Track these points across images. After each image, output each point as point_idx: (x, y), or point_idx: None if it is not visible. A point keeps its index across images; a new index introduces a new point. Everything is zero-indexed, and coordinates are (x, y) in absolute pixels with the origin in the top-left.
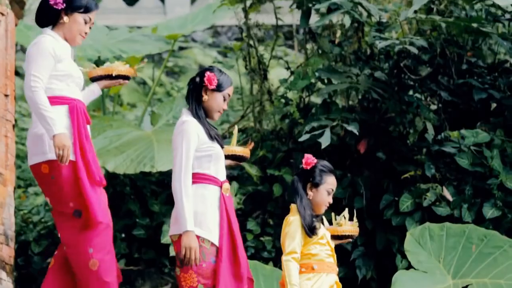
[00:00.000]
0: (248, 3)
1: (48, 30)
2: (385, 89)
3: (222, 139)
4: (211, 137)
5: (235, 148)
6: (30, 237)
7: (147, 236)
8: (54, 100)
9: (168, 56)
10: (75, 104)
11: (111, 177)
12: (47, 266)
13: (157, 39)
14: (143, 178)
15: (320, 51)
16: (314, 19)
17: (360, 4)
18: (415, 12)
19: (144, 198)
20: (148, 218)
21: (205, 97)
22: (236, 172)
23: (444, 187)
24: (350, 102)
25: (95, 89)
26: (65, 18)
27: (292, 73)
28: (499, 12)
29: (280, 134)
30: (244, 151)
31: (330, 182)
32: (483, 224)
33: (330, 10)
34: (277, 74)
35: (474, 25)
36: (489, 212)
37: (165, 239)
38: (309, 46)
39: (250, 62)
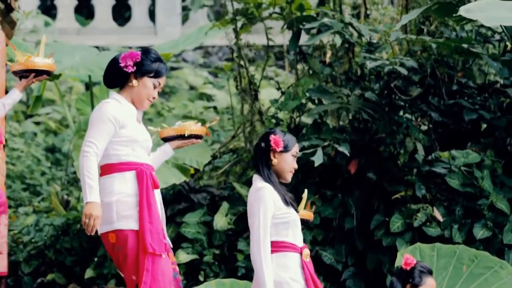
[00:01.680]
0: (239, 24)
1: (114, 93)
2: (375, 110)
3: (296, 202)
4: (286, 203)
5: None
6: (20, 257)
7: None
8: (122, 166)
9: None
10: (143, 169)
11: None
12: (37, 287)
13: None
14: None
15: (310, 72)
16: (305, 39)
17: (351, 24)
18: (406, 32)
19: None
20: None
21: (274, 161)
22: (226, 192)
23: (434, 208)
24: (341, 123)
25: (168, 150)
26: (134, 82)
27: (283, 93)
28: (489, 33)
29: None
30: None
31: (429, 284)
32: (473, 244)
33: (320, 31)
34: (268, 94)
35: (464, 46)
36: (480, 232)
37: None
38: (299, 66)
39: (241, 82)
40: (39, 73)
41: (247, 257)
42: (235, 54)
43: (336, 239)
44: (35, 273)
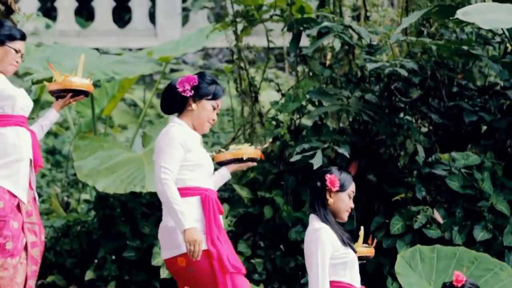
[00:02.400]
0: (239, 26)
1: (175, 118)
2: (375, 112)
3: (353, 242)
4: (344, 243)
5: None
6: None
7: (138, 258)
8: (186, 191)
9: (160, 78)
10: (207, 194)
11: (101, 199)
12: None
13: (149, 61)
14: (134, 200)
15: (311, 74)
16: (305, 42)
17: (351, 27)
18: (406, 34)
19: (134, 220)
20: (138, 240)
21: (330, 200)
22: (227, 194)
23: (434, 210)
24: (341, 125)
25: (225, 174)
26: (194, 106)
27: (283, 95)
28: (489, 35)
29: (271, 156)
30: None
31: None
32: (473, 246)
33: (320, 34)
34: (268, 96)
35: (465, 47)
36: (480, 234)
37: (156, 261)
38: (300, 68)
39: (241, 84)
40: (76, 93)
41: (247, 259)
42: (235, 56)
43: None
44: None
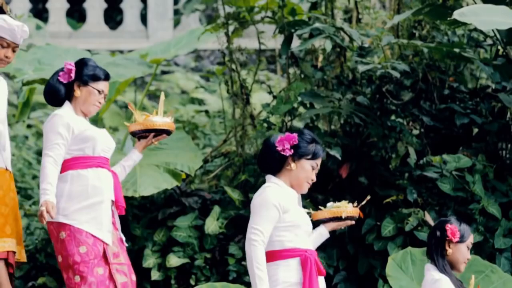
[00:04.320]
0: (231, 28)
1: (272, 177)
2: (367, 114)
3: None
4: None
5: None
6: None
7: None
8: (285, 253)
9: (151, 80)
10: (307, 256)
11: None
12: None
13: (140, 63)
14: (125, 202)
15: (302, 76)
16: (297, 44)
17: (342, 29)
18: (397, 37)
19: (126, 222)
20: (130, 242)
21: (449, 251)
22: (218, 196)
23: (426, 212)
24: (332, 127)
25: (323, 233)
26: (292, 165)
27: (274, 97)
28: (481, 38)
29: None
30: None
31: None
32: None
33: (312, 36)
34: (259, 98)
35: (456, 50)
36: None
37: (147, 263)
38: (291, 70)
39: (232, 86)
40: (158, 132)
41: (238, 261)
42: (226, 58)
43: (328, 243)
44: (26, 277)
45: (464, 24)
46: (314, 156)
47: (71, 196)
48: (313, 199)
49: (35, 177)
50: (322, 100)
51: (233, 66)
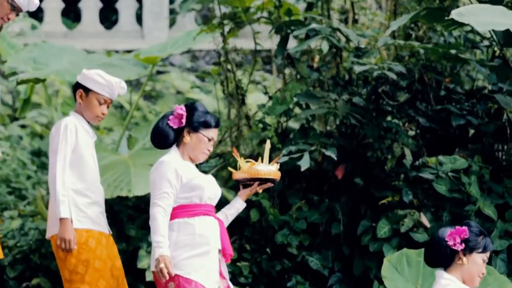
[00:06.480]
0: (226, 29)
1: (444, 274)
2: (363, 115)
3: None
4: None
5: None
6: (5, 261)
7: (123, 261)
8: None
9: (146, 80)
10: None
11: None
12: None
13: (136, 64)
14: (120, 202)
15: (298, 76)
16: (293, 44)
17: (339, 29)
18: (394, 38)
19: (120, 222)
20: (124, 243)
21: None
22: None
23: (421, 213)
24: (328, 128)
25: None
26: (464, 259)
27: (270, 98)
28: (478, 39)
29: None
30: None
31: None
32: None
33: (308, 36)
34: (255, 99)
35: (453, 51)
36: None
37: (142, 264)
38: (287, 71)
39: (228, 87)
40: (263, 181)
41: (234, 262)
42: (222, 59)
43: (323, 245)
44: (20, 278)
45: (460, 26)
46: (485, 250)
47: (179, 245)
48: (308, 200)
49: (29, 177)
50: (318, 100)
51: (229, 67)
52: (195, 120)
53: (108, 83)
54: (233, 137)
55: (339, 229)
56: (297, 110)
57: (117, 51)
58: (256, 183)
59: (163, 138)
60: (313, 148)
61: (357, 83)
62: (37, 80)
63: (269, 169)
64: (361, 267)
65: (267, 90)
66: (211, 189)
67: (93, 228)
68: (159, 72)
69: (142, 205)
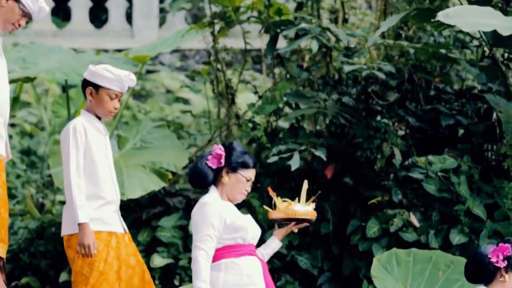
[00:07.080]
0: (216, 28)
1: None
2: (352, 115)
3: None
4: None
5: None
6: None
7: None
8: None
9: (136, 79)
10: None
11: None
12: None
13: (125, 62)
14: None
15: (288, 76)
16: (283, 44)
17: (328, 29)
18: (384, 37)
19: None
20: None
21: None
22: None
23: (411, 213)
24: (318, 127)
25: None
26: (506, 277)
27: (260, 97)
28: (467, 39)
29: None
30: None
31: None
32: (450, 250)
33: (298, 36)
34: (245, 98)
35: (442, 51)
36: (456, 238)
37: None
38: (277, 70)
39: (217, 86)
40: (299, 221)
41: None
42: (212, 58)
43: (312, 244)
44: (10, 277)
45: (450, 26)
46: None
47: (227, 285)
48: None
49: (19, 176)
50: (307, 100)
51: (219, 66)
52: (233, 160)
53: (117, 77)
54: (222, 137)
55: (329, 228)
56: (287, 109)
57: (107, 50)
58: (293, 223)
59: (202, 179)
60: (302, 147)
61: (347, 83)
62: (27, 79)
63: (306, 210)
64: (351, 267)
65: (257, 89)
66: (253, 230)
67: (102, 229)
68: (148, 71)
69: (131, 204)
